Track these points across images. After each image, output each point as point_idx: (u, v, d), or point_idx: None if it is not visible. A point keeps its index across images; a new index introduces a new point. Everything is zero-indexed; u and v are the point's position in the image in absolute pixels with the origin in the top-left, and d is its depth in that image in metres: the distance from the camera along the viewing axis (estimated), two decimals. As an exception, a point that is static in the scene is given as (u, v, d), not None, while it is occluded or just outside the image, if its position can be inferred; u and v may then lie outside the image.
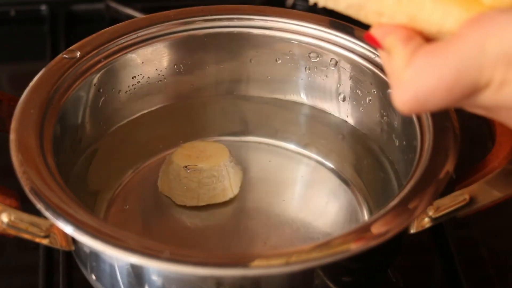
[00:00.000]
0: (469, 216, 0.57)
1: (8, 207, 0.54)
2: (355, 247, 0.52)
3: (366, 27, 0.49)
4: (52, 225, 0.53)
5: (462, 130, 0.60)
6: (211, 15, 0.70)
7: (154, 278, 0.54)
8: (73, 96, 0.64)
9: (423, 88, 0.44)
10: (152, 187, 0.70)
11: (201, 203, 0.68)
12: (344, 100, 0.71)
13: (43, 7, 0.94)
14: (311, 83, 0.72)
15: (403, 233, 0.55)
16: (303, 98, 0.73)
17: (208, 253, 0.53)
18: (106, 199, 0.69)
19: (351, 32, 0.68)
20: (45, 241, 0.54)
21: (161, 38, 0.69)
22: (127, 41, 0.68)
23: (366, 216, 0.68)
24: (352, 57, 0.68)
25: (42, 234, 0.54)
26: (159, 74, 0.71)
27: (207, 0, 0.76)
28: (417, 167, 0.58)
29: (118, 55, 0.67)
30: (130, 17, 0.88)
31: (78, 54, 0.65)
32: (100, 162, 0.69)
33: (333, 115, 0.72)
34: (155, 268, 0.54)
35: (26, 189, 0.54)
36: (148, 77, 0.71)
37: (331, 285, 0.55)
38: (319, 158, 0.73)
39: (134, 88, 0.70)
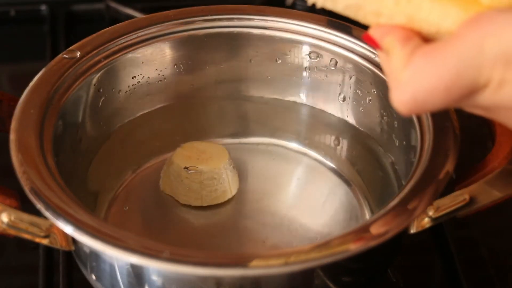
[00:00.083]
0: (469, 216, 0.57)
1: (8, 207, 0.54)
2: (354, 247, 0.52)
3: (365, 27, 0.49)
4: (52, 225, 0.53)
5: (462, 130, 0.60)
6: (211, 15, 0.70)
7: (154, 278, 0.54)
8: (73, 96, 0.64)
9: (421, 89, 0.44)
10: (152, 187, 0.70)
11: (205, 204, 0.68)
12: (344, 100, 0.71)
13: (43, 7, 0.94)
14: (311, 83, 0.72)
15: (403, 233, 0.55)
16: (303, 98, 0.73)
17: (208, 253, 0.53)
18: (106, 199, 0.69)
19: (351, 32, 0.68)
20: (45, 241, 0.54)
21: (161, 38, 0.69)
22: (127, 41, 0.68)
23: (366, 216, 0.68)
24: (352, 57, 0.68)
25: (42, 234, 0.54)
26: (159, 74, 0.71)
27: (207, 0, 0.76)
28: (417, 167, 0.58)
29: (118, 55, 0.67)
30: (130, 17, 0.88)
31: (78, 54, 0.65)
32: (100, 162, 0.69)
33: (333, 115, 0.72)
34: (155, 268, 0.54)
35: (26, 189, 0.54)
36: (148, 77, 0.71)
37: (331, 285, 0.55)
38: (319, 158, 0.73)
39: (134, 88, 0.70)
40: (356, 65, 0.69)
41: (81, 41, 0.67)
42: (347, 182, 0.71)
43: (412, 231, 0.56)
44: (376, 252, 0.55)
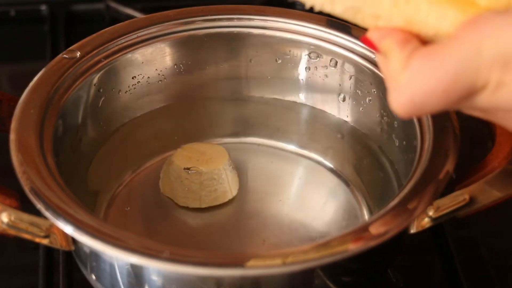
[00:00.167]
0: (469, 216, 0.57)
1: (8, 207, 0.54)
2: (354, 247, 0.52)
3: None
4: (52, 225, 0.53)
5: (462, 130, 0.60)
6: (211, 15, 0.70)
7: (154, 278, 0.54)
8: (73, 96, 0.64)
9: (420, 91, 0.44)
10: (152, 187, 0.70)
11: (204, 205, 0.68)
12: (344, 100, 0.71)
13: (43, 7, 0.94)
14: (311, 83, 0.72)
15: (403, 233, 0.55)
16: (303, 98, 0.73)
17: (208, 253, 0.53)
18: (106, 199, 0.69)
19: (351, 32, 0.68)
20: (45, 241, 0.54)
21: (161, 38, 0.69)
22: (127, 41, 0.68)
23: (366, 216, 0.68)
24: (352, 57, 0.68)
25: (42, 234, 0.54)
26: (159, 74, 0.71)
27: (207, 0, 0.76)
28: (417, 167, 0.58)
29: (118, 55, 0.67)
30: (130, 17, 0.88)
31: (78, 54, 0.65)
32: (100, 162, 0.69)
33: (333, 115, 0.72)
34: (155, 268, 0.54)
35: (26, 189, 0.54)
36: (148, 77, 0.71)
37: (331, 285, 0.55)
38: (319, 158, 0.73)
39: (134, 88, 0.70)
40: (356, 65, 0.69)
41: (81, 41, 0.67)
42: (346, 182, 0.71)
43: (412, 231, 0.56)
44: (376, 252, 0.55)
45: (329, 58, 0.70)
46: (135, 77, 0.70)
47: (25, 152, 0.57)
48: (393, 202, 0.55)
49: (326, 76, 0.71)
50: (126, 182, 0.70)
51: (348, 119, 0.71)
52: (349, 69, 0.69)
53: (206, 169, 0.67)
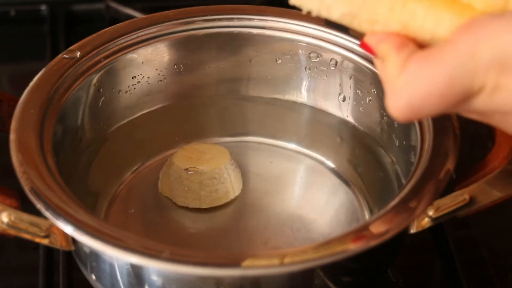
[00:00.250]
0: (469, 216, 0.57)
1: (8, 207, 0.54)
2: (354, 247, 0.52)
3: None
4: (52, 225, 0.53)
5: (462, 130, 0.60)
6: (211, 15, 0.70)
7: (154, 278, 0.54)
8: (73, 96, 0.64)
9: (416, 95, 0.44)
10: (152, 187, 0.70)
11: (204, 206, 0.68)
12: (344, 100, 0.71)
13: (43, 7, 0.94)
14: (311, 83, 0.72)
15: (403, 233, 0.55)
16: (303, 98, 0.73)
17: (208, 253, 0.53)
18: (106, 199, 0.69)
19: (350, 32, 0.68)
20: (45, 241, 0.54)
21: (161, 38, 0.69)
22: (127, 41, 0.68)
23: (366, 216, 0.68)
24: (352, 57, 0.68)
25: (42, 234, 0.54)
26: (159, 74, 0.71)
27: (207, 0, 0.76)
28: (417, 167, 0.58)
29: (118, 55, 0.67)
30: (130, 17, 0.88)
31: (78, 54, 0.65)
32: (100, 162, 0.69)
33: (333, 115, 0.72)
34: (155, 268, 0.54)
35: (26, 189, 0.54)
36: (148, 77, 0.71)
37: (331, 285, 0.55)
38: (319, 158, 0.73)
39: (134, 88, 0.70)
40: (356, 65, 0.69)
41: (81, 41, 0.67)
42: (347, 182, 0.71)
43: (412, 231, 0.56)
44: (376, 252, 0.55)
45: (329, 58, 0.70)
46: (135, 77, 0.70)
47: (25, 152, 0.57)
48: (393, 202, 0.55)
49: (326, 76, 0.71)
50: (126, 182, 0.70)
51: (348, 119, 0.71)
52: (349, 69, 0.69)
53: (207, 168, 0.67)
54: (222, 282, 0.53)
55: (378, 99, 0.68)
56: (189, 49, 0.71)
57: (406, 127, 0.64)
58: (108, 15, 0.93)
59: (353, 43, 0.68)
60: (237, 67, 0.72)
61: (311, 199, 0.70)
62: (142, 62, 0.69)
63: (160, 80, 0.71)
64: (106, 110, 0.69)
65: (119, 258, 0.55)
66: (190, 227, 0.68)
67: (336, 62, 0.70)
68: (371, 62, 0.67)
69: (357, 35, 0.50)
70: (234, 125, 0.74)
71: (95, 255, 0.57)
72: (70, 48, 0.66)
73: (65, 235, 0.54)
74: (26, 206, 0.55)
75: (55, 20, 0.93)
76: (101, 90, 0.68)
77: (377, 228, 0.53)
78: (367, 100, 0.69)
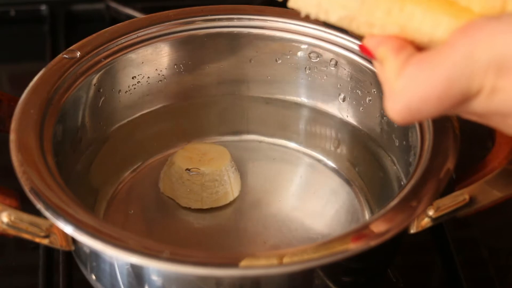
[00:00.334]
0: (469, 216, 0.57)
1: (8, 207, 0.54)
2: (355, 247, 0.52)
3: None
4: (52, 225, 0.53)
5: (462, 130, 0.60)
6: (211, 15, 0.70)
7: (154, 278, 0.54)
8: (73, 96, 0.64)
9: (415, 97, 0.44)
10: (152, 187, 0.70)
11: (205, 206, 0.68)
12: (344, 100, 0.71)
13: (43, 7, 0.94)
14: (311, 83, 0.72)
15: (403, 233, 0.55)
16: (303, 98, 0.73)
17: (207, 253, 0.53)
18: (106, 199, 0.69)
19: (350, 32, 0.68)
20: (45, 241, 0.54)
21: (161, 38, 0.69)
22: (127, 41, 0.68)
23: (366, 216, 0.68)
24: (352, 57, 0.68)
25: (42, 234, 0.54)
26: (159, 74, 0.71)
27: (207, 0, 0.76)
28: (417, 167, 0.58)
29: (118, 55, 0.67)
30: (130, 17, 0.88)
31: (78, 54, 0.65)
32: (100, 162, 0.69)
33: (333, 115, 0.72)
34: (155, 268, 0.54)
35: (26, 189, 0.54)
36: (148, 77, 0.71)
37: (331, 285, 0.55)
38: (319, 158, 0.73)
39: (134, 88, 0.70)
40: (356, 65, 0.69)
41: (81, 41, 0.67)
42: (347, 182, 0.71)
43: (412, 231, 0.56)
44: (376, 252, 0.55)
45: (329, 58, 0.70)
46: (135, 77, 0.70)
47: (25, 152, 0.57)
48: (393, 202, 0.55)
49: (326, 76, 0.71)
50: (126, 182, 0.70)
51: (348, 119, 0.71)
52: (349, 69, 0.69)
53: (208, 169, 0.67)
54: (222, 282, 0.53)
55: (378, 99, 0.68)
56: (189, 49, 0.71)
57: (406, 127, 0.64)
58: (108, 15, 0.93)
59: (353, 43, 0.68)
60: (237, 67, 0.72)
61: (310, 198, 0.70)
62: (142, 62, 0.69)
63: (160, 80, 0.71)
64: (106, 110, 0.69)
65: (119, 258, 0.55)
66: (191, 227, 0.68)
67: (336, 62, 0.70)
68: (371, 62, 0.67)
69: (357, 35, 0.50)
70: (234, 125, 0.74)
71: (95, 255, 0.57)
72: (70, 48, 0.66)
73: (65, 235, 0.54)
74: (26, 206, 0.55)
75: (55, 20, 0.93)
76: (101, 90, 0.68)
77: (377, 228, 0.53)
78: (367, 100, 0.69)
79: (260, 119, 0.74)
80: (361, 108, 0.70)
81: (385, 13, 0.47)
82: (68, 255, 0.65)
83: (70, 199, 0.54)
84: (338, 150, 0.72)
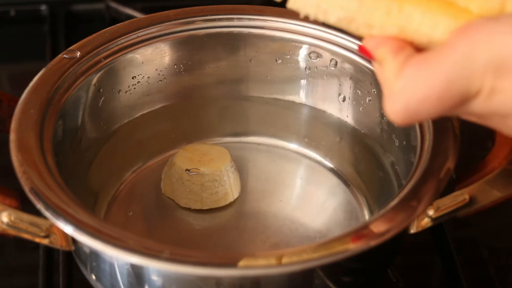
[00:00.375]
0: (469, 216, 0.57)
1: (8, 207, 0.54)
2: (355, 247, 0.52)
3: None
4: (52, 225, 0.53)
5: (462, 130, 0.60)
6: (211, 15, 0.70)
7: (154, 278, 0.54)
8: (73, 96, 0.64)
9: (413, 98, 0.44)
10: (153, 187, 0.70)
11: (205, 207, 0.68)
12: (344, 100, 0.71)
13: (43, 7, 0.94)
14: (311, 83, 0.72)
15: (403, 233, 0.55)
16: (303, 98, 0.73)
17: (207, 253, 0.53)
18: (106, 199, 0.69)
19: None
20: (45, 241, 0.54)
21: (161, 38, 0.69)
22: (127, 41, 0.68)
23: (366, 216, 0.68)
24: (352, 57, 0.68)
25: (42, 234, 0.54)
26: (159, 74, 0.71)
27: (207, 0, 0.76)
28: (417, 167, 0.58)
29: (118, 55, 0.67)
30: (130, 17, 0.88)
31: (78, 54, 0.65)
32: (101, 162, 0.69)
33: (333, 115, 0.72)
34: (155, 268, 0.54)
35: (26, 189, 0.54)
36: (148, 77, 0.71)
37: (330, 285, 0.55)
38: (319, 158, 0.73)
39: (134, 88, 0.70)
40: (356, 65, 0.69)
41: (81, 41, 0.67)
42: (346, 182, 0.71)
43: (412, 231, 0.56)
44: (376, 252, 0.55)
45: (329, 58, 0.70)
46: (135, 77, 0.70)
47: (25, 152, 0.57)
48: (393, 202, 0.55)
49: (326, 76, 0.71)
50: (126, 182, 0.70)
51: (348, 119, 0.71)
52: (349, 69, 0.69)
53: (208, 170, 0.67)
54: (222, 282, 0.53)
55: (378, 99, 0.68)
56: (189, 49, 0.71)
57: (406, 127, 0.64)
58: (108, 15, 0.93)
59: (353, 43, 0.68)
60: (237, 67, 0.72)
61: (310, 199, 0.70)
62: (142, 62, 0.69)
63: (160, 80, 0.71)
64: (106, 110, 0.69)
65: (119, 258, 0.55)
66: (191, 227, 0.68)
67: (336, 62, 0.70)
68: (370, 62, 0.67)
69: (357, 35, 0.50)
70: (234, 125, 0.74)
71: (95, 255, 0.57)
72: (70, 48, 0.66)
73: (65, 235, 0.54)
74: (26, 206, 0.55)
75: (55, 20, 0.93)
76: (101, 90, 0.68)
77: (377, 228, 0.53)
78: (367, 100, 0.69)
79: (260, 119, 0.74)
80: (361, 108, 0.70)
81: (384, 14, 0.47)
82: (68, 255, 0.65)
83: (70, 199, 0.54)
84: (338, 150, 0.72)
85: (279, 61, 0.72)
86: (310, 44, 0.70)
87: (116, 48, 0.67)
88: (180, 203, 0.68)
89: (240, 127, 0.74)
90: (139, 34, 0.68)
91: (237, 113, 0.74)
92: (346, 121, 0.71)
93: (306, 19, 0.49)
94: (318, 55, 0.70)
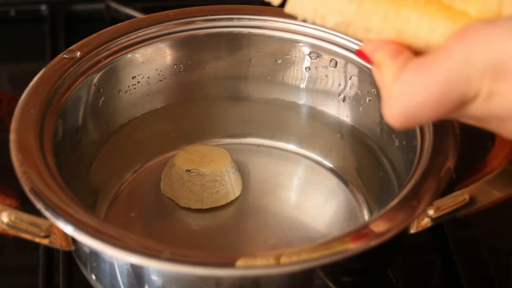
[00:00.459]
0: (469, 216, 0.57)
1: (8, 207, 0.54)
2: (355, 247, 0.52)
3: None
4: (52, 225, 0.53)
5: (462, 130, 0.60)
6: (211, 15, 0.70)
7: (154, 278, 0.54)
8: (73, 96, 0.64)
9: (412, 102, 0.44)
10: (153, 187, 0.70)
11: (205, 206, 0.68)
12: (344, 100, 0.71)
13: (43, 7, 0.94)
14: (311, 83, 0.72)
15: (403, 233, 0.55)
16: (303, 98, 0.73)
17: (207, 253, 0.53)
18: (107, 199, 0.69)
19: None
20: (45, 241, 0.54)
21: (161, 38, 0.69)
22: (127, 41, 0.68)
23: (365, 216, 0.68)
24: (352, 57, 0.68)
25: (42, 234, 0.54)
26: (159, 74, 0.71)
27: (207, 0, 0.76)
28: (417, 167, 0.58)
29: (118, 55, 0.67)
30: (130, 17, 0.88)
31: (78, 54, 0.65)
32: (101, 162, 0.69)
33: (333, 115, 0.72)
34: (155, 268, 0.54)
35: (26, 189, 0.54)
36: (148, 77, 0.71)
37: (331, 285, 0.55)
38: (319, 158, 0.73)
39: (134, 88, 0.70)
40: (356, 65, 0.69)
41: (81, 41, 0.67)
42: (346, 182, 0.71)
43: (412, 231, 0.56)
44: (376, 252, 0.55)
45: (329, 58, 0.70)
46: (135, 77, 0.70)
47: (25, 152, 0.57)
48: (393, 202, 0.55)
49: (326, 76, 0.71)
50: (126, 182, 0.70)
51: (348, 119, 0.71)
52: (349, 69, 0.69)
53: (208, 170, 0.67)
54: (222, 282, 0.53)
55: (378, 99, 0.68)
56: (189, 49, 0.71)
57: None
58: (108, 15, 0.93)
59: (353, 43, 0.68)
60: (237, 67, 0.72)
61: (310, 199, 0.70)
62: (142, 62, 0.69)
63: (160, 80, 0.71)
64: (106, 110, 0.69)
65: (119, 258, 0.55)
66: (191, 227, 0.68)
67: (336, 62, 0.70)
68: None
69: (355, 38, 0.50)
70: (234, 125, 0.74)
71: (95, 255, 0.57)
72: (70, 48, 0.66)
73: (65, 235, 0.54)
74: (26, 206, 0.55)
75: (55, 20, 0.93)
76: (101, 90, 0.68)
77: (377, 228, 0.53)
78: (367, 100, 0.69)
79: (260, 119, 0.74)
80: (361, 108, 0.70)
81: (381, 18, 0.47)
82: (68, 255, 0.65)
83: (70, 199, 0.54)
84: (338, 150, 0.72)
85: (279, 61, 0.72)
86: (310, 44, 0.70)
87: (116, 48, 0.67)
88: (180, 203, 0.68)
89: (240, 127, 0.74)
90: (139, 34, 0.68)
91: (237, 113, 0.74)
92: (346, 121, 0.71)
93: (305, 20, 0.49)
94: (318, 55, 0.70)
